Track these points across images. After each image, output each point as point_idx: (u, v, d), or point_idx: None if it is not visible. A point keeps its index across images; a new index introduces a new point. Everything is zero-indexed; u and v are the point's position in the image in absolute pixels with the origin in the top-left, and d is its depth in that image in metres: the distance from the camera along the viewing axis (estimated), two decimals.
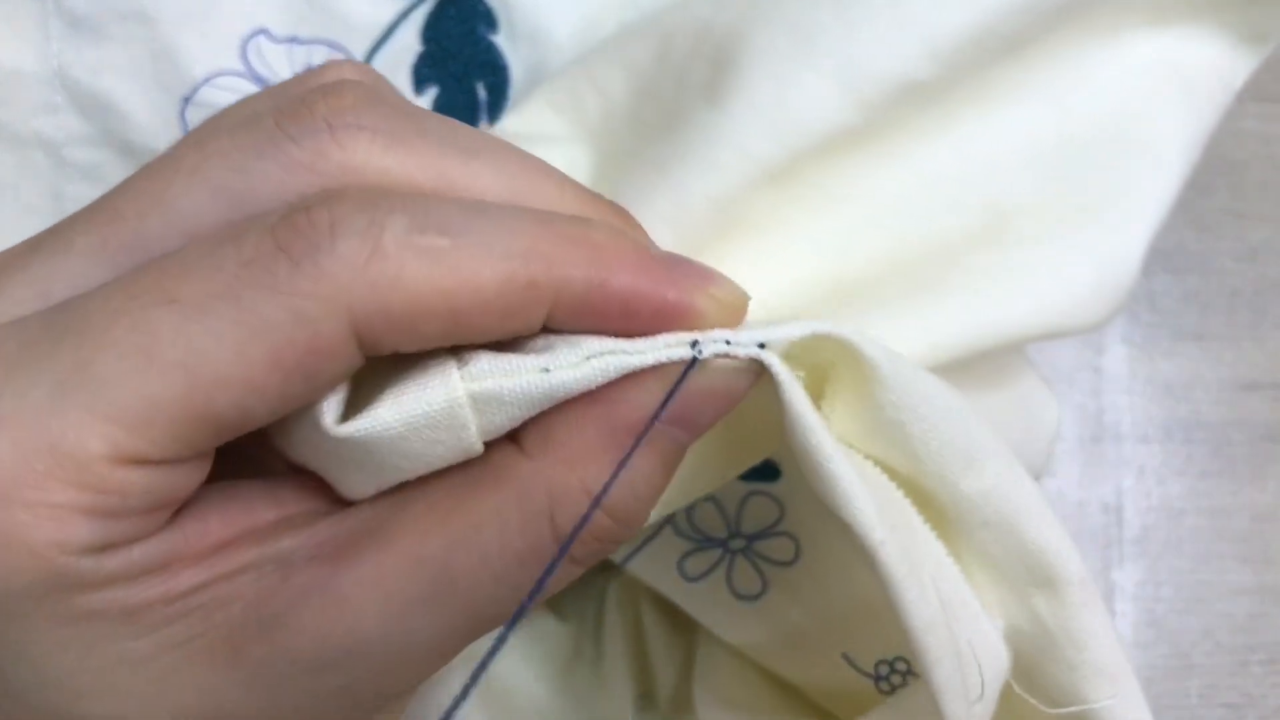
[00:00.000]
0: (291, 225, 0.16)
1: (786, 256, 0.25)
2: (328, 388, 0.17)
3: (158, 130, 0.29)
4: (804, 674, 0.28)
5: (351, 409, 0.17)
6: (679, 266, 0.17)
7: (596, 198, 0.19)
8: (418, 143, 0.17)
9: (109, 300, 0.16)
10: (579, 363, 0.17)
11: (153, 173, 0.18)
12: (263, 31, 0.29)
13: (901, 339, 0.23)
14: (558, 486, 0.17)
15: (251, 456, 0.18)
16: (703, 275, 0.17)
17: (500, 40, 0.30)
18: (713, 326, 0.17)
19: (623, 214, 0.19)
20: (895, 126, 0.24)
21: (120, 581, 0.16)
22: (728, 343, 0.17)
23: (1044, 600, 0.21)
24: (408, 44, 0.30)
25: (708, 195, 0.23)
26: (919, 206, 0.25)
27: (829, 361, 0.19)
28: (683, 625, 0.30)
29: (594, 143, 0.27)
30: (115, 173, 0.29)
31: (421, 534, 0.17)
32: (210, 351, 0.15)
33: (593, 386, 0.17)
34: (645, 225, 0.20)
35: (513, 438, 0.18)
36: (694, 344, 0.17)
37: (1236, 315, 0.37)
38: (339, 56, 0.30)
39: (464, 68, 0.30)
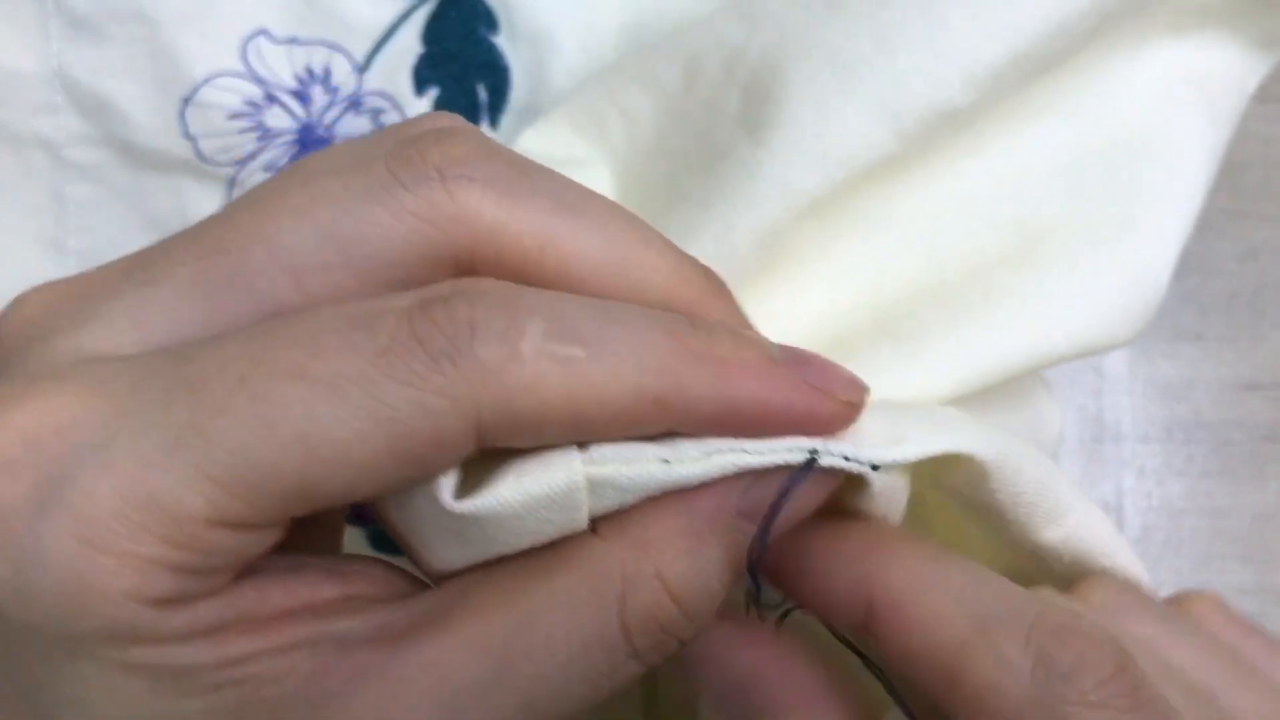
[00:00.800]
0: (430, 318, 0.16)
1: (824, 286, 0.25)
2: (437, 473, 0.17)
3: (158, 130, 0.29)
4: None
5: (464, 480, 0.17)
6: (800, 369, 0.18)
7: (691, 261, 0.19)
8: (527, 199, 0.17)
9: (231, 362, 0.16)
10: (700, 458, 0.17)
11: (257, 207, 0.17)
12: (263, 32, 0.29)
13: (938, 366, 0.23)
14: (631, 571, 0.17)
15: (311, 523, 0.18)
16: (822, 375, 0.18)
17: (501, 41, 0.30)
18: (836, 426, 0.18)
19: (713, 277, 0.19)
20: (927, 149, 0.24)
21: (179, 639, 0.16)
22: (845, 458, 0.18)
23: None
24: (408, 45, 0.30)
25: (751, 230, 0.23)
26: (952, 228, 0.25)
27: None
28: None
29: (617, 166, 0.27)
30: (115, 173, 0.29)
31: (485, 617, 0.17)
32: (332, 432, 0.15)
33: (708, 481, 0.17)
34: None
35: None
36: (812, 451, 0.17)
37: (1236, 315, 0.37)
38: (339, 57, 0.30)
39: (465, 69, 0.30)
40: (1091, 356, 0.26)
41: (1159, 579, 0.24)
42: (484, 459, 0.17)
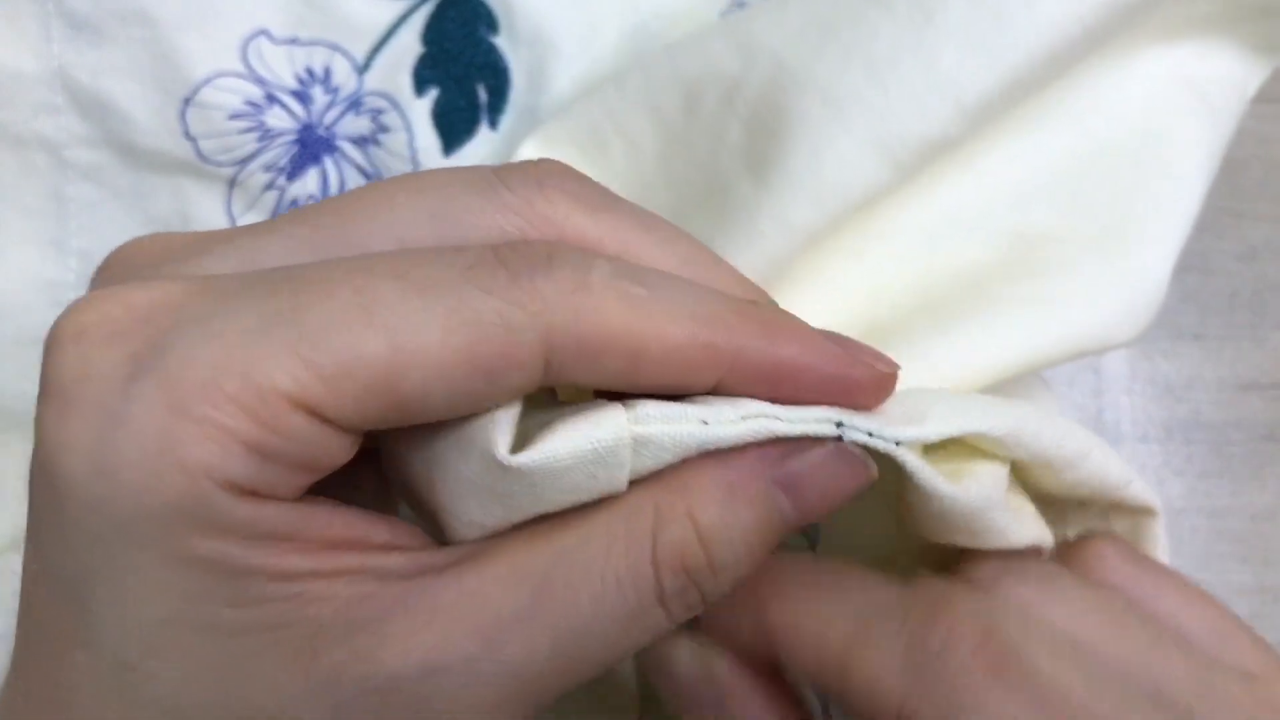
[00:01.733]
0: (512, 246, 0.17)
1: (821, 303, 0.25)
2: (500, 397, 0.17)
3: (158, 131, 0.29)
4: None
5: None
6: (837, 340, 0.19)
7: (752, 284, 0.20)
8: (608, 214, 0.19)
9: (333, 267, 0.17)
10: (736, 421, 0.18)
11: (372, 189, 0.19)
12: (263, 33, 0.29)
13: (936, 374, 0.24)
14: (664, 507, 0.18)
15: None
16: (858, 348, 0.19)
17: (501, 42, 0.30)
18: (868, 394, 0.19)
19: (772, 303, 0.21)
20: (921, 167, 0.25)
21: (244, 536, 0.16)
22: (869, 434, 0.19)
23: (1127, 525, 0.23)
24: (408, 45, 0.30)
25: (752, 266, 0.24)
26: (946, 241, 0.26)
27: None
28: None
29: (617, 186, 0.27)
30: (116, 174, 0.29)
31: (527, 548, 0.18)
32: (421, 327, 0.16)
33: (741, 444, 0.18)
34: None
35: None
36: (839, 424, 0.18)
37: (1236, 315, 0.37)
38: (339, 57, 0.30)
39: (465, 69, 0.30)
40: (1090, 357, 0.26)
41: None
42: (527, 425, 0.18)
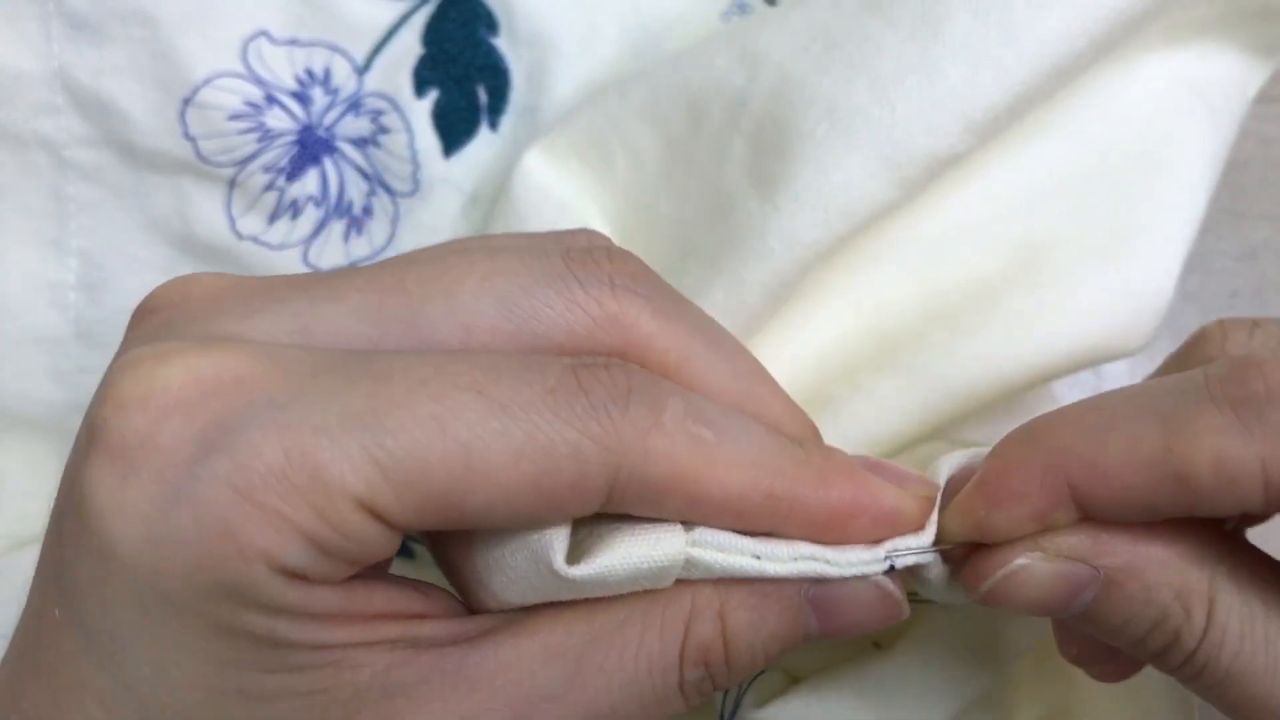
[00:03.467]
0: (593, 374, 0.17)
1: (827, 317, 0.25)
2: (558, 520, 0.18)
3: (158, 131, 0.29)
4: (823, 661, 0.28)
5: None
6: (879, 473, 0.20)
7: (798, 409, 0.21)
8: (676, 320, 0.19)
9: (414, 367, 0.17)
10: (788, 561, 0.19)
11: (441, 264, 0.19)
12: (263, 33, 0.29)
13: (945, 387, 0.24)
14: (700, 601, 0.18)
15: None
16: (900, 479, 0.20)
17: (501, 43, 0.30)
18: (914, 521, 0.19)
19: (813, 426, 0.21)
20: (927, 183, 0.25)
21: (289, 615, 0.16)
22: (917, 553, 0.19)
23: None
24: (409, 46, 0.30)
25: (760, 284, 0.24)
26: (953, 251, 0.26)
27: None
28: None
29: (619, 197, 0.27)
30: (116, 174, 0.29)
31: (565, 627, 0.18)
32: (493, 449, 0.16)
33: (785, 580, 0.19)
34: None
35: None
36: (886, 557, 0.19)
37: (1237, 315, 0.37)
38: (339, 58, 0.30)
39: (465, 70, 0.30)
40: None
41: None
42: (576, 533, 0.18)
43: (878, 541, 0.19)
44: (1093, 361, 0.25)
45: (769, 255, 0.24)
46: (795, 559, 0.19)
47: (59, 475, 0.30)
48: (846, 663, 0.25)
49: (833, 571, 0.19)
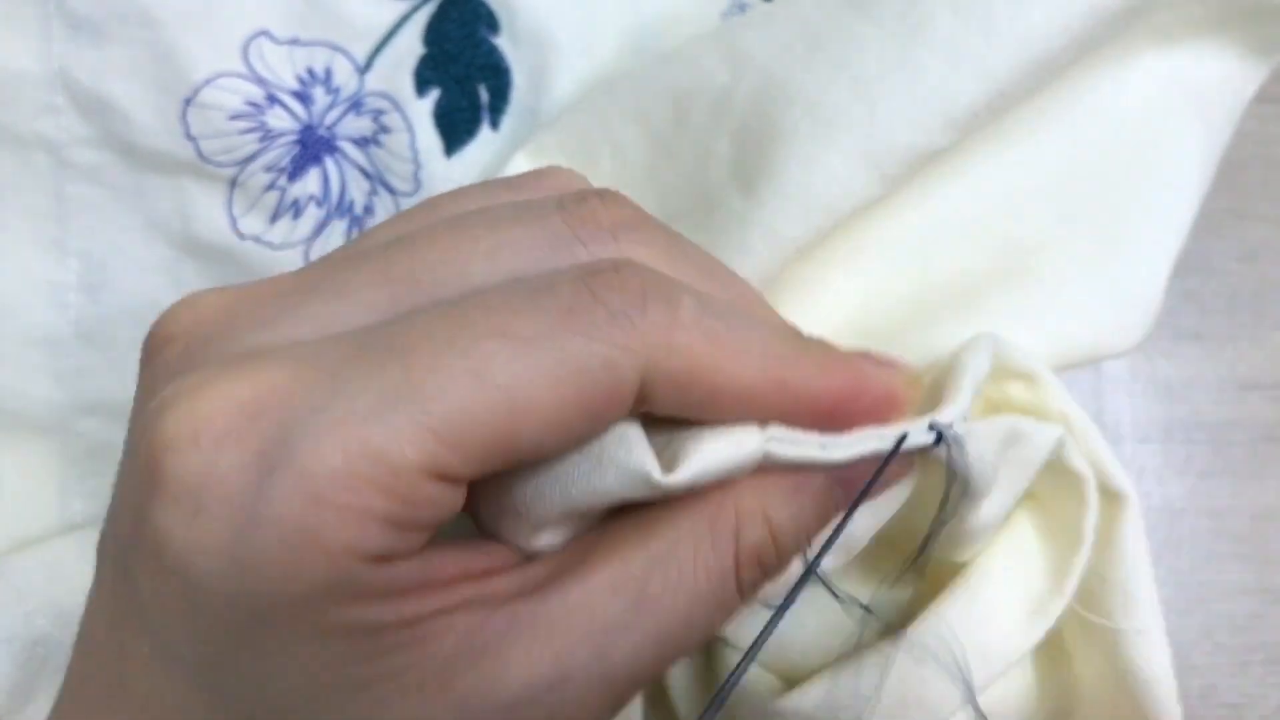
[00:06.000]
0: (606, 282, 0.18)
1: (813, 314, 0.25)
2: (601, 431, 0.18)
3: (159, 132, 0.29)
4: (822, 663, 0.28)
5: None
6: (872, 361, 0.20)
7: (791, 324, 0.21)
8: (681, 262, 0.20)
9: (437, 328, 0.17)
10: (849, 445, 0.19)
11: (447, 243, 0.19)
12: (264, 33, 0.29)
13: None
14: (745, 508, 0.19)
15: None
16: (891, 365, 0.21)
17: (502, 43, 0.30)
18: (906, 403, 0.20)
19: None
20: (909, 179, 0.25)
21: (380, 596, 0.17)
22: (963, 419, 0.20)
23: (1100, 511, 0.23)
24: (409, 46, 0.30)
25: (742, 278, 0.24)
26: (939, 248, 0.26)
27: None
28: None
29: None
30: (117, 174, 0.29)
31: (624, 557, 0.18)
32: (531, 384, 0.17)
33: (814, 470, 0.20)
34: None
35: None
36: (932, 426, 0.20)
37: (1236, 315, 0.37)
38: (340, 58, 0.30)
39: (466, 70, 0.30)
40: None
41: (1158, 578, 0.24)
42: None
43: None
44: (1079, 362, 0.25)
45: (751, 251, 0.24)
46: (854, 443, 0.19)
47: (59, 476, 0.30)
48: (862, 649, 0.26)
49: (888, 446, 0.20)
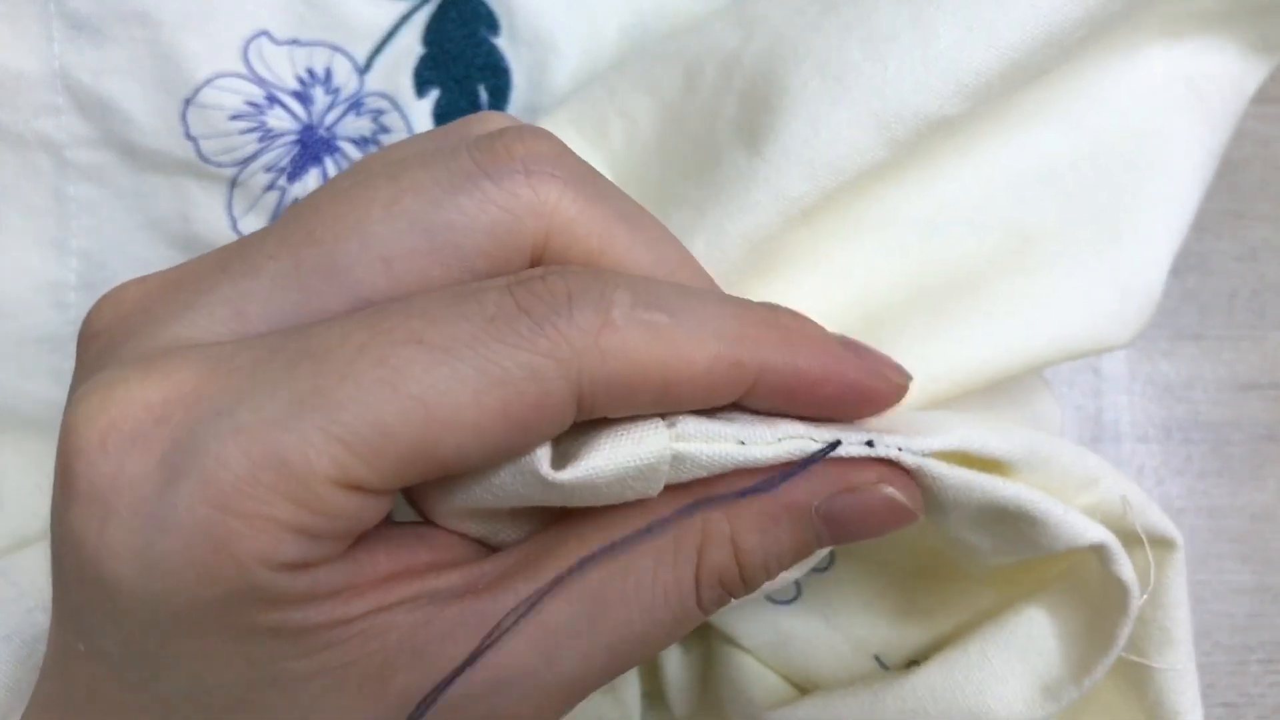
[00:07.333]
0: (530, 290, 0.17)
1: (815, 288, 0.25)
2: (536, 443, 0.18)
3: (159, 132, 0.29)
4: (830, 674, 0.28)
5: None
6: (854, 349, 0.19)
7: (718, 290, 0.20)
8: (597, 203, 0.18)
9: (351, 333, 0.17)
10: (772, 442, 0.18)
11: (344, 198, 0.18)
12: (264, 33, 0.29)
13: (927, 369, 0.24)
14: (712, 528, 0.19)
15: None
16: (875, 358, 0.19)
17: (502, 43, 0.30)
18: (884, 403, 0.19)
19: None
20: (918, 154, 0.24)
21: (301, 602, 0.16)
22: (899, 449, 0.19)
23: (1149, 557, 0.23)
24: (409, 46, 0.30)
25: (744, 235, 0.24)
26: (941, 231, 0.25)
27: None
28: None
29: (616, 167, 0.27)
30: (117, 174, 0.29)
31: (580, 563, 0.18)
32: (451, 393, 0.16)
33: (774, 464, 0.19)
34: None
35: None
36: (869, 443, 0.19)
37: (1236, 315, 0.37)
38: (340, 58, 0.30)
39: (465, 70, 0.30)
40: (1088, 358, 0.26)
41: None
42: (562, 440, 0.18)
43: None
44: (1078, 352, 0.25)
45: (754, 208, 0.24)
46: (780, 439, 0.18)
47: None
48: (858, 681, 0.25)
49: (816, 448, 0.18)
